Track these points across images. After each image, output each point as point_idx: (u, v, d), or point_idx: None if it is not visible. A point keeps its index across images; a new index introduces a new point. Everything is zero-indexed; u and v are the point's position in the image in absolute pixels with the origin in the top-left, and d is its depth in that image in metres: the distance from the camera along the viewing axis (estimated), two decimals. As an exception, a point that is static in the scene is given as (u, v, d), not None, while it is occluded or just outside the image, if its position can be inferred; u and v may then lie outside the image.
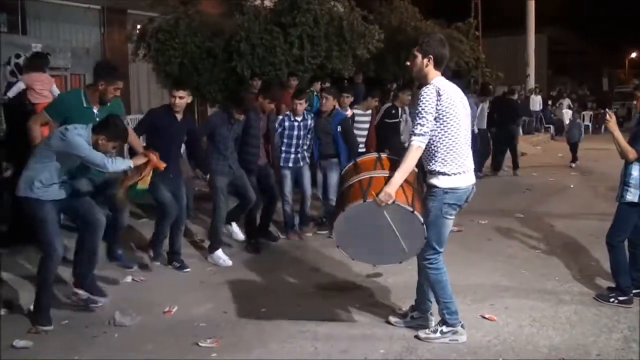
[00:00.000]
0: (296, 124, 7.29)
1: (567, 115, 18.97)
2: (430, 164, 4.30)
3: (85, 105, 5.38)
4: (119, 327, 4.82)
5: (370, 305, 5.19)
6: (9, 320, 5.00)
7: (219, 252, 6.64)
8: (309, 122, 7.40)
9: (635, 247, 5.55)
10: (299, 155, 7.38)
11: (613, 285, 5.49)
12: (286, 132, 7.31)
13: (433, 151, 4.27)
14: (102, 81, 5.36)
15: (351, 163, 4.70)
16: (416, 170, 4.39)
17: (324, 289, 5.76)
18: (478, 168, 13.00)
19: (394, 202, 4.08)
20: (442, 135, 4.24)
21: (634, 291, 5.36)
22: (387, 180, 4.17)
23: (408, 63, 4.49)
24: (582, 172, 13.24)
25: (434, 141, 4.25)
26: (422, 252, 4.41)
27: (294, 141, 7.32)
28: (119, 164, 4.89)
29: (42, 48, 9.00)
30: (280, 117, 7.52)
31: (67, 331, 4.80)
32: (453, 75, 17.20)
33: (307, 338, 4.59)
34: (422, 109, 4.20)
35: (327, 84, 10.45)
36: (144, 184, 5.16)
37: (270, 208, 7.34)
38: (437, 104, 4.20)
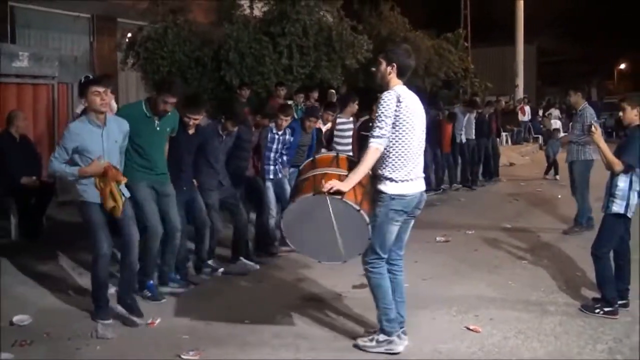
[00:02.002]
0: (277, 137, 7.27)
1: (555, 125, 19.04)
2: (380, 168, 4.32)
3: (147, 115, 5.57)
4: (101, 340, 4.77)
5: (355, 317, 5.15)
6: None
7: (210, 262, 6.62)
8: (287, 137, 7.40)
9: (621, 258, 5.56)
10: (277, 167, 7.38)
11: (598, 296, 5.49)
12: (267, 144, 7.28)
13: (384, 156, 4.29)
14: (156, 92, 5.67)
15: (310, 159, 4.76)
16: (370, 173, 4.41)
17: (308, 300, 5.73)
18: (468, 178, 13.09)
19: (341, 198, 4.11)
20: (395, 141, 4.26)
21: (619, 302, 5.36)
22: (340, 178, 4.21)
23: (373, 69, 4.56)
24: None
25: (387, 146, 4.27)
26: (364, 256, 4.42)
27: (272, 154, 7.30)
28: (59, 169, 4.97)
29: (29, 56, 8.92)
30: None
31: (49, 343, 4.73)
32: (443, 85, 17.37)
33: (290, 350, 4.55)
34: (382, 113, 4.24)
35: (314, 99, 10.43)
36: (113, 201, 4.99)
37: (263, 220, 7.27)
38: (395, 110, 4.23)
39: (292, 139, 7.47)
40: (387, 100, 4.26)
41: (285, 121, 7.26)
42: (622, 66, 47.11)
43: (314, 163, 4.59)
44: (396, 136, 4.26)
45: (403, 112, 4.25)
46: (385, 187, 4.30)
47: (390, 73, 4.41)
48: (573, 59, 40.64)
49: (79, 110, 7.69)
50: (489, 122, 13.66)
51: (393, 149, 4.27)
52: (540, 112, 24.73)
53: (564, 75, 40.39)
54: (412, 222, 4.57)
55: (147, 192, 5.60)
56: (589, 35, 38.28)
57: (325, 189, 4.11)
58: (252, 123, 7.18)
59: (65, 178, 5.12)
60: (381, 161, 4.30)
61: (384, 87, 4.45)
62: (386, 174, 4.29)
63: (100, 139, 5.02)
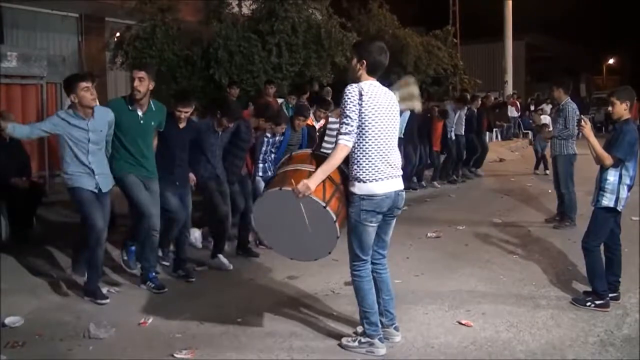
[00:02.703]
0: (266, 140, 7.31)
1: (544, 120, 19.12)
2: (350, 169, 4.26)
3: (130, 108, 5.65)
4: (94, 340, 4.74)
5: (348, 313, 5.14)
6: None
7: (220, 256, 6.69)
8: (278, 137, 7.43)
9: (611, 251, 5.60)
10: (267, 164, 7.43)
11: (589, 289, 5.53)
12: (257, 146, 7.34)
13: (352, 155, 4.22)
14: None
15: (287, 155, 4.73)
16: (345, 171, 4.34)
17: (301, 297, 5.73)
18: (450, 174, 13.12)
19: (308, 194, 4.06)
20: (361, 139, 4.17)
21: (610, 295, 5.41)
22: (310, 175, 4.16)
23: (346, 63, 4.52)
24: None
25: (353, 145, 4.20)
26: (349, 260, 4.39)
27: (261, 156, 7.36)
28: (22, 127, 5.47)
29: (18, 56, 8.88)
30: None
31: (41, 344, 4.71)
32: (433, 82, 17.41)
33: (283, 348, 4.55)
34: (345, 109, 4.16)
35: (304, 99, 10.42)
36: None
37: (245, 221, 7.26)
38: (358, 104, 4.14)
39: (281, 138, 7.48)
40: (349, 94, 4.16)
41: (281, 129, 7.30)
42: (611, 61, 47.35)
43: (291, 159, 4.56)
44: (360, 134, 4.16)
45: (365, 107, 4.13)
46: (354, 188, 4.22)
47: (359, 69, 4.29)
48: (562, 55, 40.76)
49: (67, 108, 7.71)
50: (479, 118, 13.68)
51: (359, 148, 4.18)
52: (532, 107, 24.79)
53: (553, 71, 40.50)
54: (393, 222, 4.48)
55: (137, 181, 5.71)
56: (578, 31, 38.44)
57: (297, 193, 4.06)
58: (254, 125, 7.15)
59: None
60: (350, 161, 4.23)
61: (355, 82, 4.31)
62: (354, 173, 4.21)
63: (86, 130, 5.33)
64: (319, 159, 4.36)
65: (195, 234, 7.10)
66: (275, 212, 4.26)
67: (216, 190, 6.65)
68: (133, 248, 5.96)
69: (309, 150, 4.64)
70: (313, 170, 4.22)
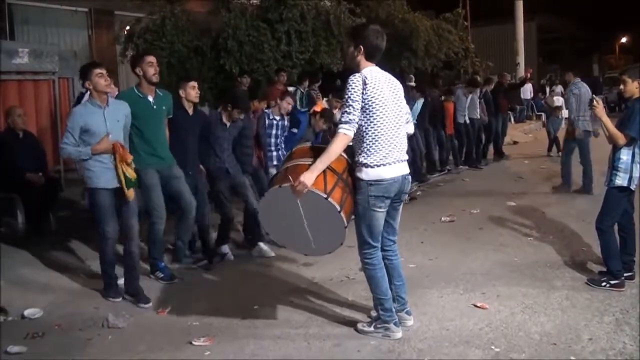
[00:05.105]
0: (275, 122, 7.32)
1: (557, 102, 18.98)
2: (357, 155, 4.24)
3: (140, 96, 5.75)
4: (113, 329, 4.82)
5: (363, 299, 5.17)
6: (4, 326, 4.97)
7: (225, 246, 6.74)
8: (285, 122, 7.46)
9: (625, 231, 5.59)
10: (280, 152, 7.44)
11: (604, 269, 5.52)
12: (265, 130, 7.33)
13: (359, 142, 4.21)
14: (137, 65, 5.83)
15: (289, 152, 4.70)
16: (349, 160, 4.33)
17: (316, 283, 5.77)
18: (473, 158, 13.09)
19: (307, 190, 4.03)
20: (367, 125, 4.16)
21: (625, 275, 5.40)
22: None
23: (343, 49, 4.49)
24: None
25: (360, 132, 4.18)
26: (358, 247, 4.39)
27: (273, 140, 7.37)
28: (72, 152, 5.27)
29: (29, 53, 8.94)
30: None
31: (60, 335, 4.79)
32: (444, 66, 17.30)
33: (299, 334, 4.59)
34: (348, 97, 4.14)
35: (316, 86, 10.42)
36: (130, 175, 5.29)
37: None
38: (363, 93, 4.12)
39: (288, 123, 7.50)
40: (353, 84, 4.14)
41: (288, 104, 7.30)
42: (623, 40, 46.87)
43: (292, 155, 4.50)
44: (367, 120, 4.15)
45: (370, 94, 4.12)
46: (361, 174, 4.21)
47: (357, 56, 4.27)
48: (573, 35, 40.43)
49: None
50: (495, 99, 13.58)
51: (365, 134, 4.16)
52: (547, 90, 24.59)
53: (565, 51, 40.21)
54: (400, 207, 4.49)
55: (155, 177, 5.79)
56: (589, 11, 38.08)
57: (292, 183, 4.01)
58: (252, 109, 7.18)
59: (79, 158, 5.36)
60: (357, 148, 4.23)
61: (354, 69, 4.30)
62: (361, 159, 4.20)
63: (102, 118, 5.27)
64: (320, 151, 4.26)
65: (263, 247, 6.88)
66: (280, 211, 4.22)
67: (229, 186, 6.66)
68: (162, 264, 6.00)
69: (308, 144, 4.58)
70: (312, 163, 4.16)
